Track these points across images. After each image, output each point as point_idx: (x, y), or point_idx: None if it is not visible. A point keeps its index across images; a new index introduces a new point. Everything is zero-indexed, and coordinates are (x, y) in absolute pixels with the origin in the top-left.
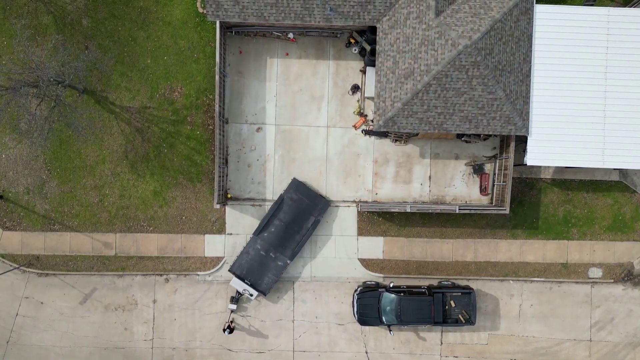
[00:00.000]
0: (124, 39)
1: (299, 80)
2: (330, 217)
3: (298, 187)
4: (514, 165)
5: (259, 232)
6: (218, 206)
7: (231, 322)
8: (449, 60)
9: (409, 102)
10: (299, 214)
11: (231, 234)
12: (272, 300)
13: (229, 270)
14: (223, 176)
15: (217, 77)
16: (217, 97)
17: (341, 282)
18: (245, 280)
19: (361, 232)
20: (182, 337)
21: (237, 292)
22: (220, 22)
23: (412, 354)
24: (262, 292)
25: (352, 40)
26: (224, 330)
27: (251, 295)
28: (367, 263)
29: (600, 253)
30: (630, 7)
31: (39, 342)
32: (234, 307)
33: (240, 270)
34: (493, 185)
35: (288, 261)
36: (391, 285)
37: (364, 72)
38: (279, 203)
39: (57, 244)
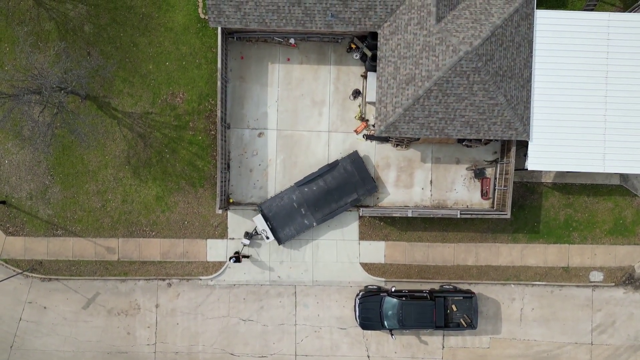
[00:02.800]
0: (126, 45)
1: (301, 85)
2: (331, 222)
3: (355, 160)
4: (515, 170)
5: (301, 184)
6: (220, 211)
7: (241, 253)
8: (450, 66)
9: (410, 108)
10: (345, 185)
11: (233, 238)
12: (273, 304)
13: (257, 205)
14: (225, 181)
15: (219, 82)
16: (219, 102)
17: (343, 286)
18: (268, 222)
19: (363, 236)
20: (184, 341)
21: (255, 229)
22: (221, 28)
23: (414, 358)
24: (278, 240)
25: (353, 46)
26: (230, 258)
27: (267, 237)
28: (368, 267)
29: (601, 257)
30: (631, 12)
31: (42, 347)
32: (247, 242)
33: (268, 211)
34: (494, 190)
35: (314, 223)
36: (393, 289)
37: (365, 77)
38: (332, 167)
39: (60, 249)
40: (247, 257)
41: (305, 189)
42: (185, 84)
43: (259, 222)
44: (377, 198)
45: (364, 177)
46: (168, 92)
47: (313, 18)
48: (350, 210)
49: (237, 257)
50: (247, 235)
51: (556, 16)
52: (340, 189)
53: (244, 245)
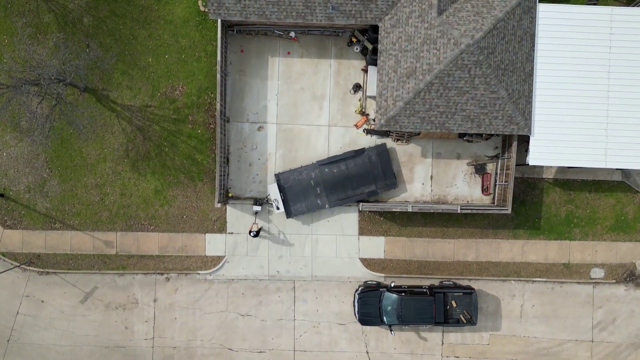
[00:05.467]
0: (125, 37)
1: (301, 79)
2: (331, 217)
3: (382, 153)
4: (516, 165)
5: (323, 163)
6: (219, 205)
7: (256, 224)
8: (451, 59)
9: (411, 101)
10: (365, 175)
11: (232, 233)
12: (272, 299)
13: (275, 174)
14: (224, 175)
15: (218, 75)
16: (218, 95)
17: (342, 281)
18: (282, 193)
19: (362, 231)
20: (182, 336)
21: (267, 197)
22: (221, 20)
23: (413, 354)
24: (288, 213)
25: (354, 39)
26: (250, 232)
27: (277, 208)
28: (368, 263)
29: (603, 253)
30: (634, 6)
31: (40, 341)
32: (258, 208)
33: (284, 181)
34: (495, 185)
35: (327, 205)
36: (392, 285)
37: (365, 71)
38: (357, 153)
39: (58, 242)
40: (259, 230)
41: (326, 170)
42: (184, 77)
43: (273, 191)
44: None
45: (386, 171)
46: (167, 85)
47: (314, 11)
48: (349, 205)
49: (256, 231)
50: (257, 202)
51: (559, 10)
52: (360, 178)
53: (256, 213)
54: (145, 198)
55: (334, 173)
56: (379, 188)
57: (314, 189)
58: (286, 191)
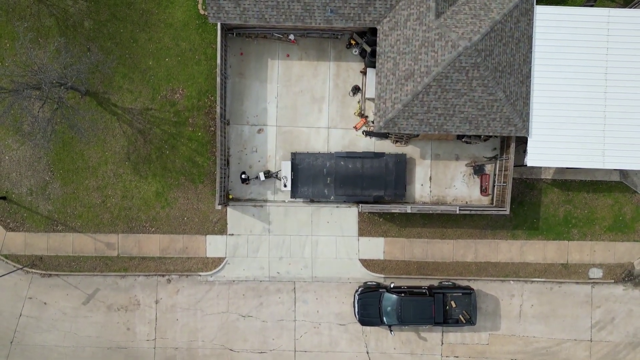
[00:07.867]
0: (126, 41)
1: (300, 82)
2: (331, 217)
3: (399, 162)
4: (514, 166)
5: (341, 155)
6: (219, 207)
7: (250, 178)
8: (449, 61)
9: (410, 104)
10: (377, 179)
11: (232, 234)
12: (273, 300)
13: (292, 153)
14: (224, 177)
15: (218, 78)
16: (218, 98)
17: (342, 282)
18: (292, 172)
19: (362, 232)
20: (184, 337)
21: (277, 172)
22: (221, 24)
23: (413, 354)
24: (293, 192)
25: (353, 42)
26: (242, 173)
27: (285, 185)
28: (368, 263)
29: (601, 253)
30: (631, 8)
31: (42, 342)
32: (263, 177)
33: (299, 161)
34: (493, 186)
35: (332, 197)
36: (392, 285)
37: (364, 73)
38: (376, 156)
39: (60, 244)
40: (245, 180)
41: (342, 162)
42: (184, 80)
43: (285, 168)
44: None
45: (398, 180)
46: (167, 88)
47: (312, 14)
48: (349, 206)
49: (245, 179)
50: (267, 173)
51: (556, 12)
52: (372, 180)
53: (261, 180)
54: (147, 200)
55: (348, 168)
56: (387, 195)
57: (325, 178)
58: (298, 172)
